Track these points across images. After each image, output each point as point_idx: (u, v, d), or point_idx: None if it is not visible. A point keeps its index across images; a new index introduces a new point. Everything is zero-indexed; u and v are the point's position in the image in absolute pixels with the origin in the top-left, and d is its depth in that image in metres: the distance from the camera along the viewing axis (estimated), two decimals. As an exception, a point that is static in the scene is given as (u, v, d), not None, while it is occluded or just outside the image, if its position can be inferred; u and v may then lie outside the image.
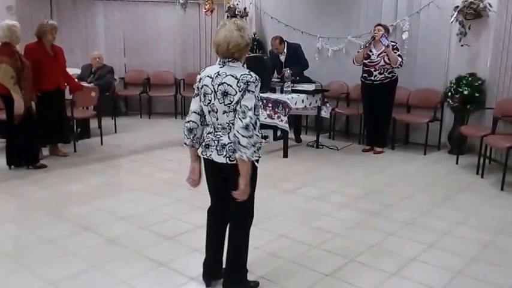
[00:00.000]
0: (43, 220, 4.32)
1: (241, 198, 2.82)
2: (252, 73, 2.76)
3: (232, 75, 2.72)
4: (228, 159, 2.81)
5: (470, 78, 6.54)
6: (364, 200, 4.93)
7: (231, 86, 2.71)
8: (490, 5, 6.31)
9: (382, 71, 6.50)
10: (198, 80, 2.89)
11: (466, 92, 6.44)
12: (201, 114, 2.92)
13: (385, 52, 6.43)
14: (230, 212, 3.01)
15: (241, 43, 2.74)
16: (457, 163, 6.28)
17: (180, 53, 9.64)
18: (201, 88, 2.84)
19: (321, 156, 6.72)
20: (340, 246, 3.84)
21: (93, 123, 7.55)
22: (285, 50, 7.30)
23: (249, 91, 2.69)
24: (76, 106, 6.69)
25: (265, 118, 6.31)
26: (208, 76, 2.81)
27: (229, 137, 2.80)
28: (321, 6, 8.08)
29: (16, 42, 5.47)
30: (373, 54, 6.52)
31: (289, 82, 6.60)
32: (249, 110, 2.68)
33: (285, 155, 6.56)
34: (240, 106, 2.69)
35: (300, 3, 8.36)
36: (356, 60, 6.72)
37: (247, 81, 2.69)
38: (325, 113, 7.10)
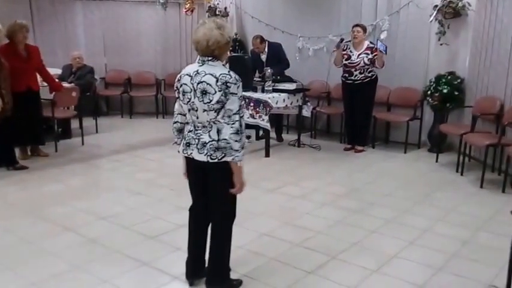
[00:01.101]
0: (23, 221, 4.27)
1: (239, 193, 2.91)
2: (231, 73, 2.75)
3: (211, 74, 2.71)
4: (209, 157, 2.81)
5: (449, 77, 6.62)
6: (346, 198, 4.97)
7: (210, 85, 2.70)
8: (469, 4, 6.39)
9: (362, 71, 6.56)
10: (177, 79, 2.89)
11: (445, 91, 6.52)
12: (184, 114, 2.93)
13: (365, 53, 6.48)
14: (212, 211, 3.01)
15: (221, 41, 2.73)
16: (437, 161, 6.36)
17: (161, 53, 9.60)
18: (180, 87, 2.84)
19: (303, 155, 6.75)
20: (322, 244, 3.86)
21: (74, 123, 7.47)
22: (266, 50, 7.31)
23: (231, 93, 2.70)
24: (57, 106, 6.61)
25: (248, 118, 6.30)
26: (187, 75, 2.80)
27: (209, 135, 2.80)
28: (300, 6, 8.11)
29: None
30: (353, 55, 6.57)
31: (270, 81, 6.62)
32: (235, 114, 2.71)
33: (267, 154, 6.57)
34: (225, 111, 2.71)
35: (279, 3, 8.39)
36: (335, 63, 6.78)
37: (227, 82, 2.69)
38: (306, 112, 7.14)
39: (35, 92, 6.05)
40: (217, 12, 9.04)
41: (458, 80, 6.61)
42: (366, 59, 6.48)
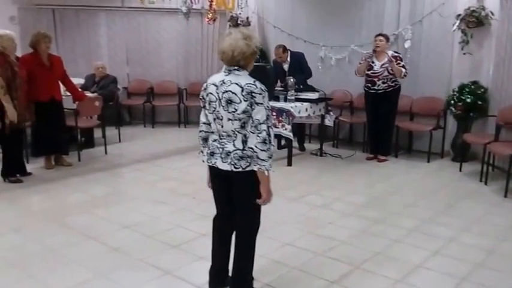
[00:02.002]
0: (47, 229, 4.33)
1: (265, 204, 2.90)
2: (257, 83, 2.76)
3: (237, 84, 2.73)
4: (233, 166, 2.81)
5: (473, 86, 6.54)
6: (368, 208, 4.93)
7: (235, 94, 2.72)
8: (492, 13, 6.32)
9: (385, 81, 6.53)
10: (203, 88, 2.91)
11: (468, 100, 6.44)
12: (209, 123, 2.95)
13: (389, 63, 6.45)
14: (236, 220, 3.02)
15: (246, 51, 2.74)
16: (460, 170, 6.28)
17: (182, 63, 9.67)
18: (206, 96, 2.86)
19: (325, 164, 6.72)
20: (345, 254, 3.83)
21: (97, 133, 7.57)
22: (288, 59, 7.32)
23: (257, 103, 2.71)
24: (80, 116, 6.71)
25: (269, 127, 6.31)
26: (213, 84, 2.83)
27: (234, 145, 2.81)
28: (323, 15, 8.12)
29: (9, 51, 5.41)
30: (375, 65, 6.54)
31: (293, 91, 6.63)
32: (261, 123, 2.71)
33: (289, 164, 6.57)
34: (252, 121, 2.72)
35: (302, 13, 8.41)
36: (358, 72, 6.76)
37: (252, 92, 2.70)
38: (328, 121, 7.12)
39: (58, 102, 6.15)
40: (239, 22, 9.10)
41: (482, 90, 6.53)
42: (389, 69, 6.45)
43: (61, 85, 6.25)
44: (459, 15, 6.50)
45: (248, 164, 2.79)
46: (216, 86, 2.80)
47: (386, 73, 6.47)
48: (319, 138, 7.35)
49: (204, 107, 2.91)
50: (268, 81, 6.39)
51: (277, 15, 8.77)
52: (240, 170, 2.80)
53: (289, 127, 6.29)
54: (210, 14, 8.89)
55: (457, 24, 6.53)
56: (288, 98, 6.57)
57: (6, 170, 5.67)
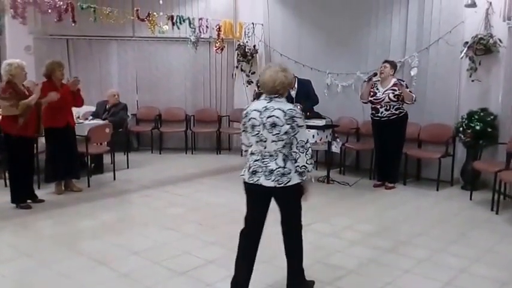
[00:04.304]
0: (58, 254, 4.35)
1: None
2: (297, 108, 3.24)
3: (280, 109, 3.17)
4: (276, 183, 3.19)
5: (482, 114, 6.53)
6: (377, 237, 4.88)
7: (279, 118, 3.15)
8: (500, 41, 6.33)
9: (388, 108, 6.53)
10: (244, 115, 3.33)
11: (478, 127, 6.42)
12: (250, 145, 3.37)
13: (392, 90, 6.45)
14: (286, 226, 3.44)
15: (285, 81, 3.25)
16: (470, 199, 6.22)
17: (190, 90, 9.78)
18: (248, 121, 3.27)
19: (332, 191, 6.69)
20: (355, 284, 3.79)
21: (106, 159, 7.61)
22: (296, 86, 7.36)
23: (299, 126, 3.18)
24: (91, 142, 6.79)
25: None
26: (255, 110, 3.25)
27: (276, 163, 3.22)
28: (329, 43, 8.20)
29: (18, 79, 5.51)
30: (379, 91, 6.57)
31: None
32: (306, 142, 3.21)
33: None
34: (298, 142, 3.18)
35: (308, 40, 8.51)
36: (362, 97, 6.80)
37: (293, 116, 3.16)
38: (335, 148, 7.11)
39: (72, 128, 6.30)
40: (246, 50, 9.22)
41: (492, 117, 6.50)
42: (391, 95, 6.45)
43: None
44: (466, 42, 6.53)
45: (288, 180, 3.20)
46: (259, 111, 3.23)
47: (387, 99, 6.47)
48: (325, 165, 7.33)
49: (245, 131, 3.32)
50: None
51: (284, 43, 8.88)
52: (283, 185, 3.19)
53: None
54: (218, 43, 9.06)
55: (464, 51, 6.56)
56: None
57: (16, 195, 5.69)
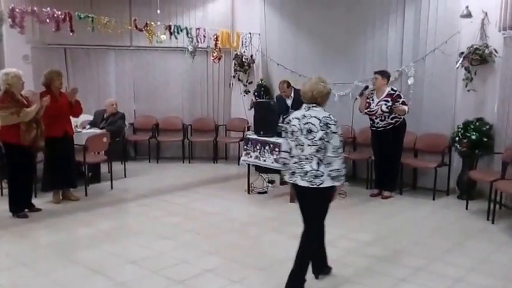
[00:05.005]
0: (55, 263, 4.35)
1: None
2: (331, 116, 3.56)
3: (315, 117, 3.54)
4: (309, 183, 3.54)
5: (477, 123, 6.56)
6: (374, 246, 4.89)
7: (314, 125, 3.52)
8: (496, 51, 6.38)
9: (382, 118, 6.56)
10: (286, 122, 3.75)
11: (473, 137, 6.44)
12: (289, 151, 3.71)
13: (384, 100, 6.46)
14: (306, 224, 3.85)
15: (323, 91, 3.63)
16: (466, 208, 6.22)
17: (188, 99, 9.80)
18: (290, 128, 3.65)
19: (329, 200, 6.68)
20: (351, 292, 3.79)
21: (103, 168, 7.62)
22: (292, 95, 7.41)
23: (333, 132, 3.50)
24: (88, 151, 6.80)
25: (272, 162, 6.35)
26: (295, 118, 3.64)
27: (310, 166, 3.55)
28: (326, 53, 8.24)
29: (15, 89, 5.50)
30: (373, 102, 6.59)
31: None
32: (339, 148, 3.53)
33: (292, 200, 6.53)
34: (332, 147, 3.50)
35: (305, 50, 8.54)
36: (359, 109, 6.82)
37: (327, 123, 3.50)
38: (332, 157, 7.12)
39: (70, 137, 6.31)
40: (243, 60, 9.27)
41: (487, 126, 6.53)
42: (383, 107, 6.47)
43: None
44: (462, 53, 6.59)
45: (321, 182, 3.52)
46: (298, 119, 3.61)
47: (380, 111, 6.49)
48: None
49: (287, 136, 3.71)
50: (272, 116, 6.50)
51: (281, 53, 8.91)
52: (315, 186, 3.53)
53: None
54: (215, 53, 9.10)
55: (460, 61, 6.61)
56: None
57: (14, 204, 5.69)
